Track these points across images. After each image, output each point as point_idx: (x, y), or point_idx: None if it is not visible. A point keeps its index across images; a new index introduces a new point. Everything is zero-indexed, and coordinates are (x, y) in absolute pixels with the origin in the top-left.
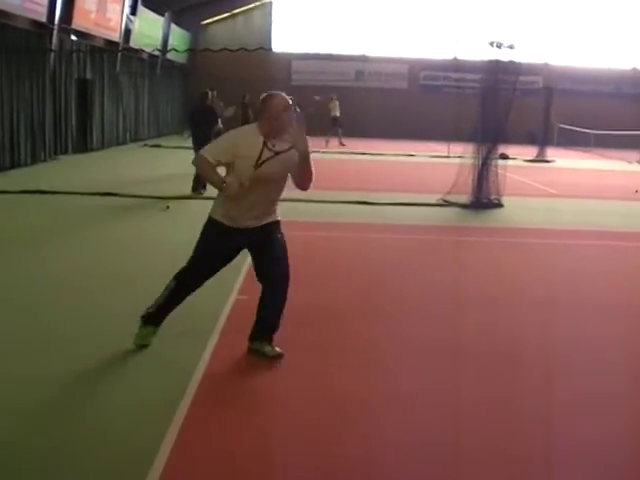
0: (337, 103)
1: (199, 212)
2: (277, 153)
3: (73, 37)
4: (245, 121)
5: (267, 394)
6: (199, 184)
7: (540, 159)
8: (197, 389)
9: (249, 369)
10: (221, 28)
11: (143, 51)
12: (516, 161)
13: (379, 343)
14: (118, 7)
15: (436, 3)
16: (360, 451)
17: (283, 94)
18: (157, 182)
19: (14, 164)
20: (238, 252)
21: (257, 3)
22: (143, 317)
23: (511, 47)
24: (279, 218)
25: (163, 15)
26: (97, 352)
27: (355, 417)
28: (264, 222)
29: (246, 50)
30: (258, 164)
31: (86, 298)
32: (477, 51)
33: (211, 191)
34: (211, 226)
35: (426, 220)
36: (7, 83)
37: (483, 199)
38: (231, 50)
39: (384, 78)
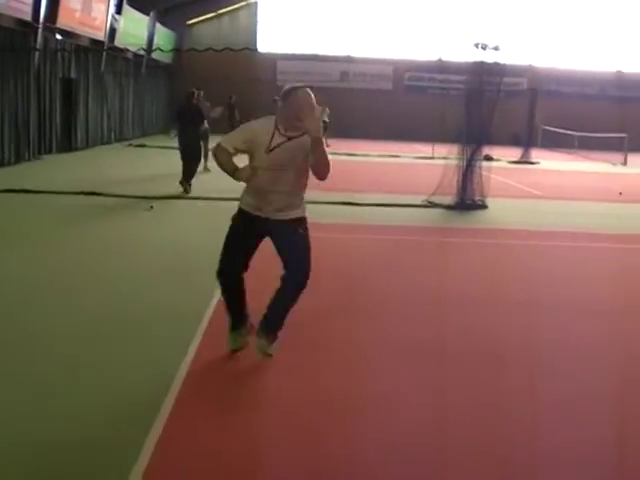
0: (327, 109)
1: (183, 212)
2: (289, 138)
3: (58, 36)
4: (231, 122)
5: (251, 394)
6: (188, 179)
7: (524, 161)
8: (180, 389)
9: (233, 369)
10: (206, 28)
11: (128, 50)
12: (500, 162)
13: (363, 343)
14: (103, 6)
15: (421, 4)
16: (344, 451)
17: (306, 88)
18: (141, 182)
19: None
20: (261, 237)
21: (242, 3)
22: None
23: (496, 48)
24: (305, 215)
25: (148, 14)
26: (74, 353)
27: (339, 417)
28: (288, 217)
29: (231, 50)
30: (269, 149)
31: (64, 298)
32: (462, 52)
33: (198, 191)
34: (236, 214)
35: (410, 221)
36: None
37: (467, 200)
38: (216, 50)
39: (369, 79)
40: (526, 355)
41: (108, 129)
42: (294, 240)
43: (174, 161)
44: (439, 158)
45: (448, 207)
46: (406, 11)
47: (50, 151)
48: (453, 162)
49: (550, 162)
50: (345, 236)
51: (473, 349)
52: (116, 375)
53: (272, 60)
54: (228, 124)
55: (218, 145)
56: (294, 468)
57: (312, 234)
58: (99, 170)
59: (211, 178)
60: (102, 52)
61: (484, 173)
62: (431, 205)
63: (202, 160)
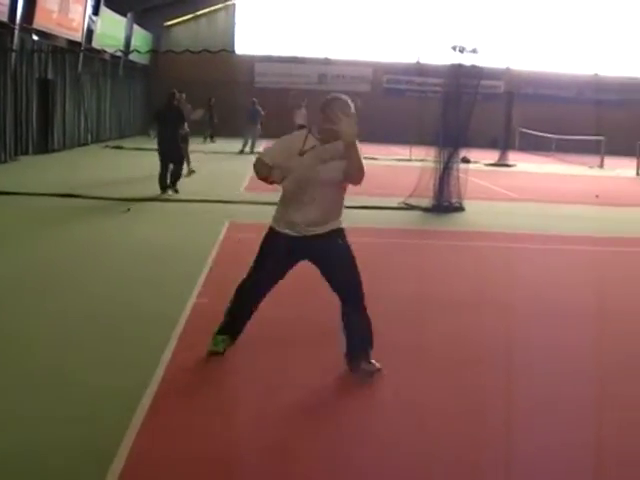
0: (304, 111)
1: (160, 214)
2: (321, 141)
3: (35, 37)
4: (210, 124)
5: (228, 397)
6: (172, 183)
7: (501, 163)
8: (156, 392)
9: (208, 373)
10: (184, 29)
11: (105, 52)
12: (478, 165)
13: (326, 341)
14: (80, 7)
15: (399, 7)
16: (323, 454)
17: (345, 97)
18: (118, 184)
19: None
20: (296, 261)
21: (220, 5)
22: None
23: (474, 51)
24: (342, 226)
25: (126, 16)
26: (47, 355)
27: (317, 419)
28: (325, 229)
29: (208, 52)
30: (302, 151)
31: (39, 299)
32: (440, 55)
33: (201, 193)
34: (267, 234)
35: (387, 223)
36: None
37: (444, 203)
38: (193, 52)
39: (347, 81)
40: (502, 358)
41: (85, 130)
42: (337, 254)
43: (151, 163)
44: (417, 160)
45: (425, 209)
46: (385, 13)
47: (26, 152)
48: (430, 164)
49: (527, 165)
50: None
51: (450, 352)
52: (90, 378)
53: (250, 62)
54: (208, 126)
55: (258, 159)
56: (269, 472)
57: None
58: (76, 172)
59: (192, 181)
60: (79, 53)
61: (461, 175)
62: (408, 207)
63: (185, 164)
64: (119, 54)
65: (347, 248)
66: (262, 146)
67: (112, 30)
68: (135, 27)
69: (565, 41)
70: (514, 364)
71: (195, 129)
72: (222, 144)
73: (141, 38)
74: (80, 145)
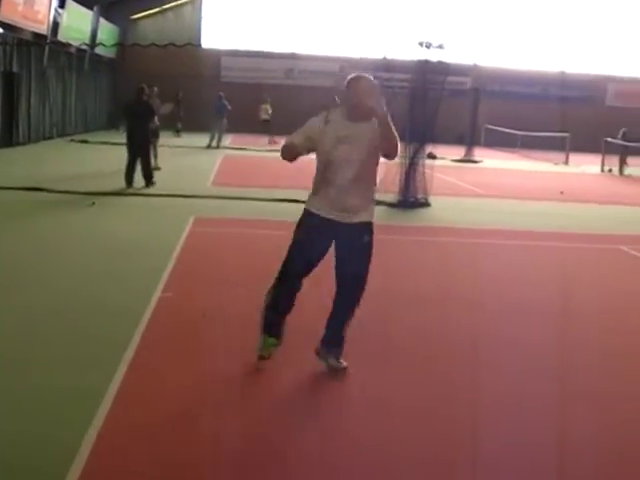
0: (267, 107)
1: (126, 208)
2: (350, 120)
3: (0, 29)
4: (178, 118)
5: (186, 396)
6: (146, 178)
7: (467, 159)
8: (118, 390)
9: (171, 369)
10: (151, 23)
11: (71, 45)
12: (444, 161)
13: (297, 341)
14: (46, 0)
15: (366, 2)
16: (283, 448)
17: (368, 76)
18: (84, 178)
19: None
20: (329, 245)
21: None
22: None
23: (440, 47)
24: (373, 219)
25: (92, 9)
26: (10, 349)
27: (280, 414)
28: (356, 219)
29: (175, 46)
30: (335, 137)
31: (1, 294)
32: (407, 51)
33: (168, 188)
34: (303, 216)
35: None
36: None
37: (410, 198)
38: (159, 45)
39: (314, 76)
40: (468, 354)
41: (50, 124)
42: (357, 250)
43: (117, 157)
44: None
45: (391, 205)
46: (352, 9)
47: None
48: (396, 160)
49: (493, 161)
50: (287, 234)
51: (416, 347)
52: (53, 375)
53: (216, 56)
54: (177, 120)
55: (282, 147)
56: (236, 469)
57: (254, 232)
58: (41, 165)
59: (159, 175)
60: (45, 46)
61: (427, 171)
62: (374, 203)
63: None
64: (85, 47)
65: (370, 247)
66: (229, 140)
67: (78, 23)
68: (101, 20)
69: (531, 38)
70: (479, 360)
71: (164, 123)
72: (189, 138)
73: (107, 31)
74: (45, 139)
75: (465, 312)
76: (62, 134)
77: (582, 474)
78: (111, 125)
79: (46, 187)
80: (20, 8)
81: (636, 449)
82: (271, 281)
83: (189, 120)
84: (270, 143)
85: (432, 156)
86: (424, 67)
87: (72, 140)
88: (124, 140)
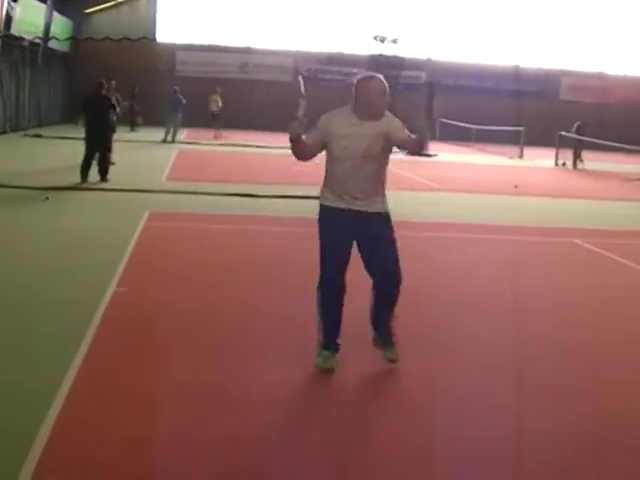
0: (217, 98)
1: (80, 203)
2: (360, 119)
3: None
4: (133, 113)
5: (142, 393)
6: (101, 173)
7: (422, 153)
8: (72, 384)
9: (125, 364)
10: (105, 17)
11: (24, 39)
12: (398, 155)
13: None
14: None
15: None
16: (219, 445)
17: (379, 76)
18: (37, 173)
19: None
20: (351, 237)
21: None
22: (320, 346)
23: (394, 42)
24: (388, 211)
25: (45, 2)
26: None
27: (220, 408)
28: (371, 209)
29: (129, 40)
30: (344, 135)
31: None
32: (361, 45)
33: (122, 183)
34: (320, 213)
35: (308, 213)
36: None
37: None
38: (113, 40)
39: (268, 70)
40: (419, 348)
41: (4, 119)
42: (386, 234)
43: (71, 152)
44: None
45: None
46: (306, 3)
47: None
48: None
49: (448, 155)
50: (243, 227)
51: (363, 340)
52: (4, 370)
53: (171, 50)
54: (129, 115)
55: (305, 149)
56: (178, 459)
57: (208, 226)
58: None
59: (113, 170)
60: None
61: None
62: (385, 197)
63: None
64: (38, 41)
65: (393, 238)
66: (184, 135)
67: (31, 17)
68: (55, 14)
69: (486, 33)
70: (431, 354)
71: (120, 119)
72: (144, 133)
73: (61, 25)
74: None
75: (418, 305)
76: (16, 129)
77: (537, 468)
78: (66, 119)
79: None
80: None
81: (590, 443)
82: (227, 275)
83: (145, 114)
84: (216, 137)
85: None
86: (378, 61)
87: (26, 135)
88: (82, 134)
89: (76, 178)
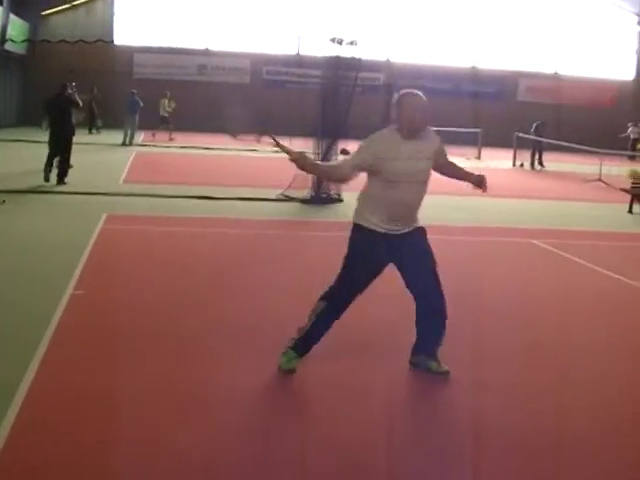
0: (166, 102)
1: (37, 206)
2: (406, 138)
3: None
4: (91, 115)
5: (101, 395)
6: (60, 176)
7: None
8: (29, 388)
9: (84, 370)
10: (62, 19)
11: None
12: None
13: (208, 335)
14: None
15: None
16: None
17: (419, 93)
18: None
19: None
20: (385, 263)
21: None
22: (290, 347)
23: (352, 43)
24: (422, 224)
25: (1, 4)
26: None
27: (182, 409)
28: (411, 227)
29: (85, 42)
30: (398, 158)
31: None
32: (319, 47)
33: (80, 185)
34: (359, 236)
35: (267, 215)
36: None
37: (323, 194)
38: (69, 42)
39: (227, 72)
40: (385, 347)
41: None
42: (426, 248)
43: (27, 155)
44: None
45: (303, 201)
46: (264, 5)
47: None
48: (309, 156)
49: None
50: (201, 230)
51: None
52: None
53: (129, 53)
54: (88, 116)
55: (343, 173)
56: (138, 463)
57: (166, 229)
58: None
59: (71, 173)
60: None
61: None
62: (287, 199)
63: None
64: None
65: (432, 251)
66: (142, 137)
67: None
68: (11, 16)
69: (443, 34)
70: (397, 351)
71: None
72: (103, 136)
73: (17, 27)
74: None
75: (377, 306)
76: None
77: (494, 465)
78: (22, 122)
79: None
80: None
81: (547, 441)
82: (186, 277)
83: (103, 117)
84: (153, 137)
85: (345, 152)
86: (336, 63)
87: None
88: (38, 137)
89: (33, 181)
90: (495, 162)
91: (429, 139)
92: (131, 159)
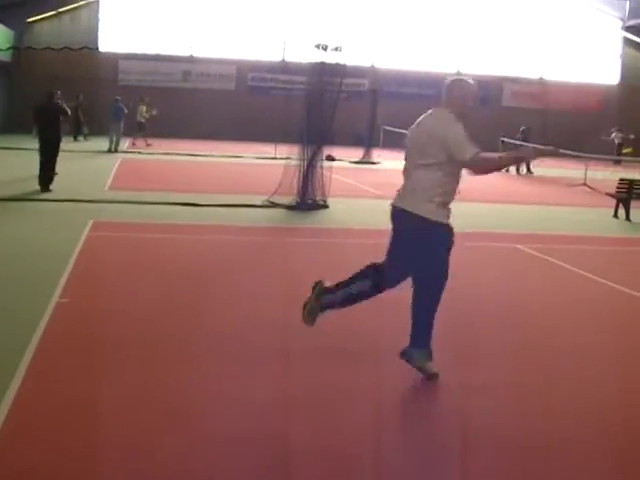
0: (144, 108)
1: (22, 214)
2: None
3: None
4: (77, 121)
5: (86, 403)
6: (46, 182)
7: (366, 161)
8: (15, 396)
9: (70, 378)
10: (47, 27)
11: None
12: (342, 163)
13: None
14: None
15: (264, 4)
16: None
17: (470, 80)
18: None
19: None
20: None
21: (83, 2)
22: (322, 288)
23: (337, 49)
24: None
25: None
26: None
27: (168, 415)
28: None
29: (70, 49)
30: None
31: None
32: (304, 53)
33: (65, 193)
34: (437, 230)
35: (252, 222)
36: None
37: (308, 200)
38: (54, 49)
39: (212, 79)
40: (368, 354)
41: None
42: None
43: (14, 162)
44: (281, 158)
45: (289, 207)
46: (249, 11)
47: None
48: (294, 162)
49: (391, 162)
50: (186, 237)
51: (313, 346)
52: None
53: (114, 60)
54: (73, 123)
55: (476, 157)
56: (122, 470)
57: (151, 236)
58: None
59: (56, 180)
60: None
61: (326, 173)
62: (272, 205)
63: None
64: None
65: None
66: (127, 144)
67: None
68: None
69: (428, 40)
70: (383, 355)
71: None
72: (88, 143)
73: (2, 35)
74: None
75: (364, 311)
76: None
77: (484, 466)
78: (6, 129)
79: None
80: None
81: (537, 443)
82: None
83: (88, 124)
84: (133, 145)
85: (331, 158)
86: (321, 69)
87: None
88: (30, 144)
89: (18, 189)
90: None
91: None
92: (116, 166)
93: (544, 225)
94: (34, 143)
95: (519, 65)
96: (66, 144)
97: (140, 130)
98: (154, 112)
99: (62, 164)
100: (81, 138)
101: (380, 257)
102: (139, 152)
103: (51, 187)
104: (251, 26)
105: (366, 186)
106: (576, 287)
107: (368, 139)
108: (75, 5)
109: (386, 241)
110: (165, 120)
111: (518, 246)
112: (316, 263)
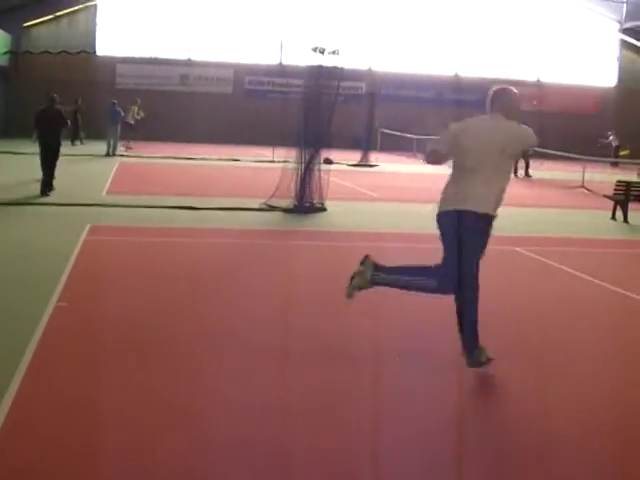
0: (135, 109)
1: (20, 217)
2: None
3: None
4: (75, 125)
5: (86, 402)
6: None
7: (363, 163)
8: (14, 398)
9: (69, 379)
10: (45, 30)
11: None
12: (340, 165)
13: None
14: None
15: (261, 8)
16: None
17: (513, 88)
18: None
19: None
20: None
21: (81, 6)
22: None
23: (334, 53)
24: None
25: None
26: None
27: (169, 417)
28: (495, 213)
29: (67, 53)
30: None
31: None
32: (301, 56)
33: (63, 197)
34: (478, 220)
35: (250, 225)
36: None
37: (306, 203)
38: (52, 53)
39: (209, 82)
40: (365, 360)
41: None
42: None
43: (10, 166)
44: (279, 162)
45: (286, 210)
46: (246, 14)
47: None
48: (292, 165)
49: (389, 164)
50: (184, 240)
51: (310, 350)
52: None
53: (112, 63)
54: (72, 127)
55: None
56: (122, 468)
57: (149, 240)
58: None
59: (54, 184)
60: None
61: (323, 176)
62: (269, 208)
63: None
64: None
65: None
66: (122, 148)
67: None
68: None
69: (425, 42)
70: (379, 361)
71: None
72: (86, 146)
73: (0, 39)
74: None
75: (363, 313)
76: None
77: (479, 465)
78: (5, 134)
79: None
80: None
81: (535, 440)
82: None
83: (86, 127)
84: (127, 149)
85: (329, 161)
86: (318, 72)
87: None
88: (29, 149)
89: (16, 193)
90: None
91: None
92: (114, 170)
93: (542, 227)
94: (33, 147)
95: (517, 67)
96: (64, 148)
97: (130, 131)
98: (142, 114)
99: (60, 168)
100: (78, 142)
101: (380, 258)
102: (137, 156)
103: (49, 192)
104: (248, 29)
105: (364, 189)
106: (573, 289)
107: (366, 142)
108: (73, 9)
109: (383, 244)
110: (163, 123)
111: (517, 249)
112: (314, 266)
